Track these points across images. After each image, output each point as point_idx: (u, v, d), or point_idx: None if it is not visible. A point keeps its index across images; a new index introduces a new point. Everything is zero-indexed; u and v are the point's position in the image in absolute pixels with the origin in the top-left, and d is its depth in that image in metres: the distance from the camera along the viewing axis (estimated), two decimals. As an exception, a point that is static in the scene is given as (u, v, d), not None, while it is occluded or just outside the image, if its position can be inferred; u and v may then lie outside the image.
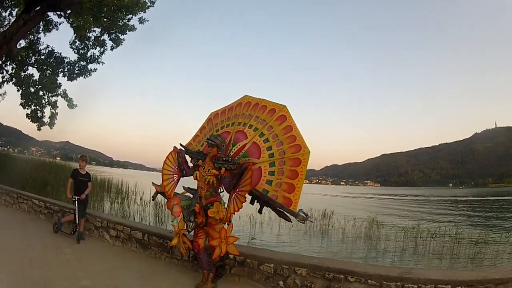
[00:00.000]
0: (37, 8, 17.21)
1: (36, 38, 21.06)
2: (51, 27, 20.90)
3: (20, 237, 8.24)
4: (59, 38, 20.80)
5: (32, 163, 27.42)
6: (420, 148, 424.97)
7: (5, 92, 24.08)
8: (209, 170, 5.58)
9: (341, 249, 12.64)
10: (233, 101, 6.68)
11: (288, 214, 5.30)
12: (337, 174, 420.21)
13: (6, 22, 20.82)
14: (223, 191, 5.73)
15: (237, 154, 5.82)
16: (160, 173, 5.88)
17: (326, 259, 6.06)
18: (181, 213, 5.70)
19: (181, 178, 6.04)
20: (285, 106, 5.85)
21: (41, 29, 20.98)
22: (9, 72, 21.71)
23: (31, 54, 21.25)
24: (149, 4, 20.01)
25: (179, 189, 6.04)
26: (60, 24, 20.87)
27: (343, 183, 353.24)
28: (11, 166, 22.04)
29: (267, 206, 5.53)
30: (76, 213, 8.22)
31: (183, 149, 6.28)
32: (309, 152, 5.33)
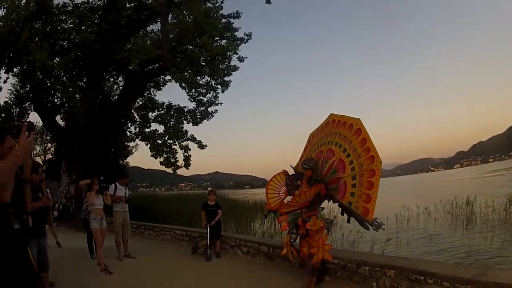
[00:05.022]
0: (138, 76, 21.06)
1: (148, 99, 25.69)
2: (161, 85, 25.57)
3: (160, 259, 10.71)
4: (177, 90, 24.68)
5: (178, 199, 31.29)
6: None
7: (137, 144, 28.79)
8: (304, 189, 6.85)
9: (479, 241, 13.66)
10: (323, 121, 7.86)
11: (366, 223, 6.18)
12: (485, 152, 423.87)
13: (114, 88, 26.38)
14: (319, 205, 6.94)
15: (328, 172, 6.94)
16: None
17: (415, 260, 6.86)
18: (288, 227, 7.07)
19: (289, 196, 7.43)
20: (359, 119, 6.69)
21: (152, 89, 25.48)
22: (132, 132, 26.30)
23: (150, 113, 25.71)
24: (246, 38, 22.75)
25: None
26: (168, 81, 25.21)
27: (491, 160, 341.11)
28: (156, 204, 25.96)
29: (351, 217, 6.52)
30: (208, 237, 10.28)
31: (293, 171, 7.71)
32: (381, 162, 6.08)
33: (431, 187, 51.18)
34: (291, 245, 7.17)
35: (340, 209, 6.82)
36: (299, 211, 6.99)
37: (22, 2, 19.10)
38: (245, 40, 22.66)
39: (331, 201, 6.94)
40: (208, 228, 10.39)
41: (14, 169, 3.04)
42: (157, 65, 21.14)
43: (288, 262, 8.13)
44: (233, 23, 22.38)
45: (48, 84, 19.95)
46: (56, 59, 18.85)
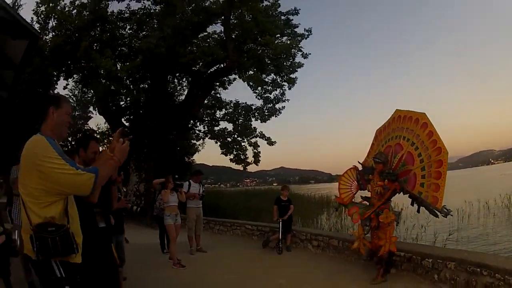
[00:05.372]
0: (204, 76, 21.54)
1: (215, 98, 26.17)
2: (226, 85, 25.75)
3: (231, 253, 11.29)
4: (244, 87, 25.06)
5: (245, 194, 31.72)
6: None
7: (204, 142, 29.37)
8: (376, 182, 7.27)
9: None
10: (389, 117, 8.20)
11: (435, 211, 6.51)
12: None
13: (178, 88, 27.03)
14: (391, 199, 7.32)
15: (398, 165, 7.29)
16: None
17: (473, 252, 7.21)
18: (360, 220, 7.47)
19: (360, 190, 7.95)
20: (425, 113, 7.11)
21: (218, 88, 25.72)
22: (202, 131, 27.23)
23: (217, 111, 26.35)
24: (307, 34, 22.73)
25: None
26: (233, 80, 25.34)
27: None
28: (223, 200, 26.46)
29: (421, 206, 6.83)
30: (280, 231, 10.66)
31: (361, 166, 8.15)
32: (447, 152, 6.43)
33: (490, 181, 50.29)
34: (363, 237, 7.51)
35: (410, 199, 7.15)
36: (368, 203, 7.54)
37: (73, 12, 20.14)
38: (305, 36, 22.67)
39: (401, 193, 7.25)
40: (280, 222, 10.79)
41: (111, 174, 3.29)
42: (223, 65, 21.57)
43: (356, 255, 8.48)
44: (292, 19, 22.56)
45: (112, 88, 20.73)
46: (118, 64, 19.81)
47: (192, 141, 29.37)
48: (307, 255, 10.14)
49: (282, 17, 22.21)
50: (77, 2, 20.21)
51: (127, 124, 24.06)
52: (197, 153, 32.22)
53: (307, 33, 22.75)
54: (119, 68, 18.81)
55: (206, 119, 26.68)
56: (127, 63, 19.53)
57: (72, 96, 25.82)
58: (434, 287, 6.42)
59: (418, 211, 7.07)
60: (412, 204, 7.13)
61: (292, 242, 11.08)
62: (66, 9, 20.14)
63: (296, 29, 22.65)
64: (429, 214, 6.78)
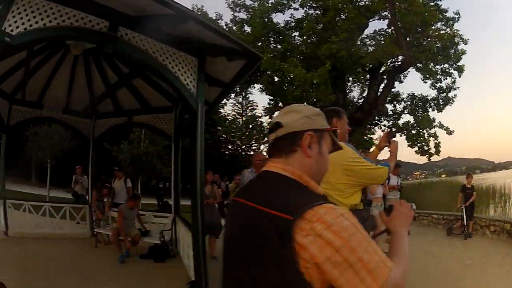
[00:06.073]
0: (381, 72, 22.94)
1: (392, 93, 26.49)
2: (402, 78, 26.42)
3: (420, 240, 12.39)
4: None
5: (419, 187, 32.03)
6: None
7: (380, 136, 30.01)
8: None
9: None
10: None
11: None
12: None
13: (350, 85, 28.13)
14: None
15: None
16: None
17: None
18: None
19: None
20: None
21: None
22: (386, 125, 27.92)
23: (397, 105, 27.13)
24: (456, 17, 22.90)
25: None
26: (408, 73, 25.91)
27: None
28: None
29: None
30: (464, 218, 11.93)
31: None
32: None
33: None
34: None
35: None
36: None
37: (233, 28, 22.93)
38: (456, 19, 22.96)
39: None
40: (464, 209, 12.04)
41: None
42: (396, 59, 22.90)
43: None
44: (441, 5, 22.91)
45: (304, 94, 22.06)
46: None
47: (369, 136, 30.06)
48: (486, 240, 11.50)
49: (431, 4, 22.41)
50: (237, 19, 23.19)
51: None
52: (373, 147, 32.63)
53: (456, 16, 23.00)
54: (313, 75, 20.38)
55: (390, 114, 27.34)
56: (306, 69, 21.12)
57: (237, 104, 27.98)
58: None
59: None
60: None
61: (473, 229, 12.13)
62: (226, 27, 23.08)
63: (445, 14, 22.99)
64: None
